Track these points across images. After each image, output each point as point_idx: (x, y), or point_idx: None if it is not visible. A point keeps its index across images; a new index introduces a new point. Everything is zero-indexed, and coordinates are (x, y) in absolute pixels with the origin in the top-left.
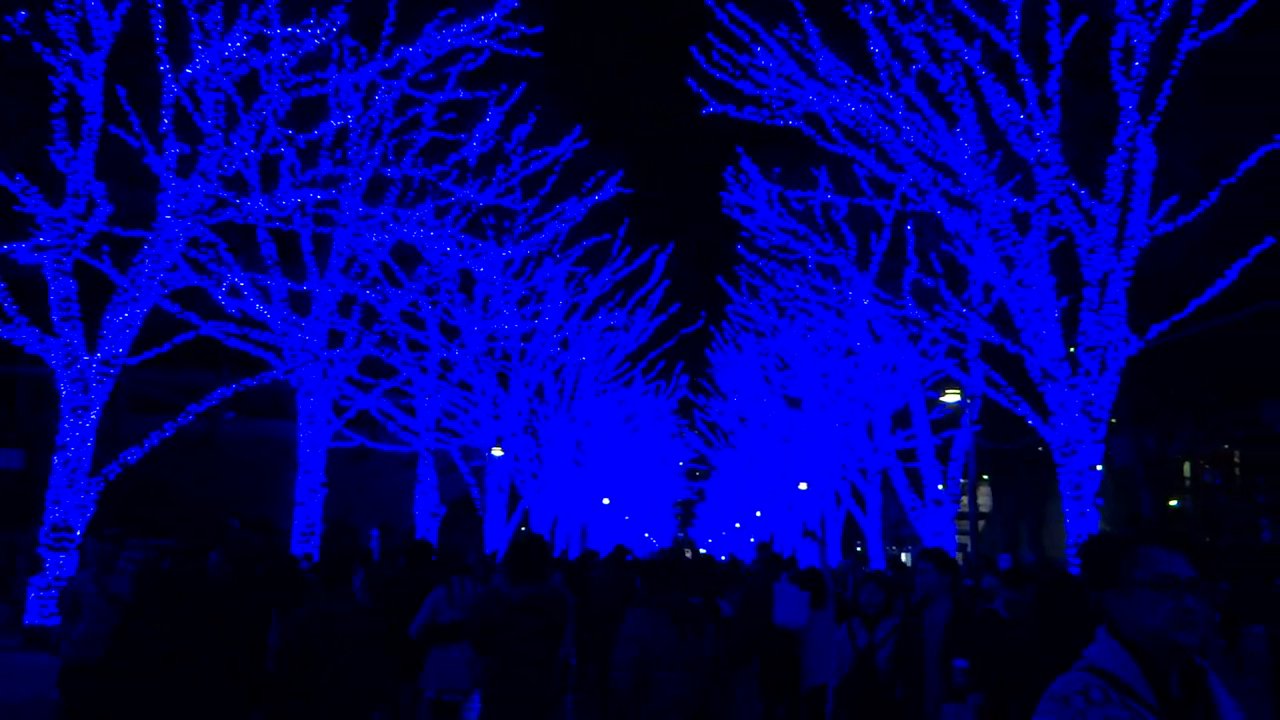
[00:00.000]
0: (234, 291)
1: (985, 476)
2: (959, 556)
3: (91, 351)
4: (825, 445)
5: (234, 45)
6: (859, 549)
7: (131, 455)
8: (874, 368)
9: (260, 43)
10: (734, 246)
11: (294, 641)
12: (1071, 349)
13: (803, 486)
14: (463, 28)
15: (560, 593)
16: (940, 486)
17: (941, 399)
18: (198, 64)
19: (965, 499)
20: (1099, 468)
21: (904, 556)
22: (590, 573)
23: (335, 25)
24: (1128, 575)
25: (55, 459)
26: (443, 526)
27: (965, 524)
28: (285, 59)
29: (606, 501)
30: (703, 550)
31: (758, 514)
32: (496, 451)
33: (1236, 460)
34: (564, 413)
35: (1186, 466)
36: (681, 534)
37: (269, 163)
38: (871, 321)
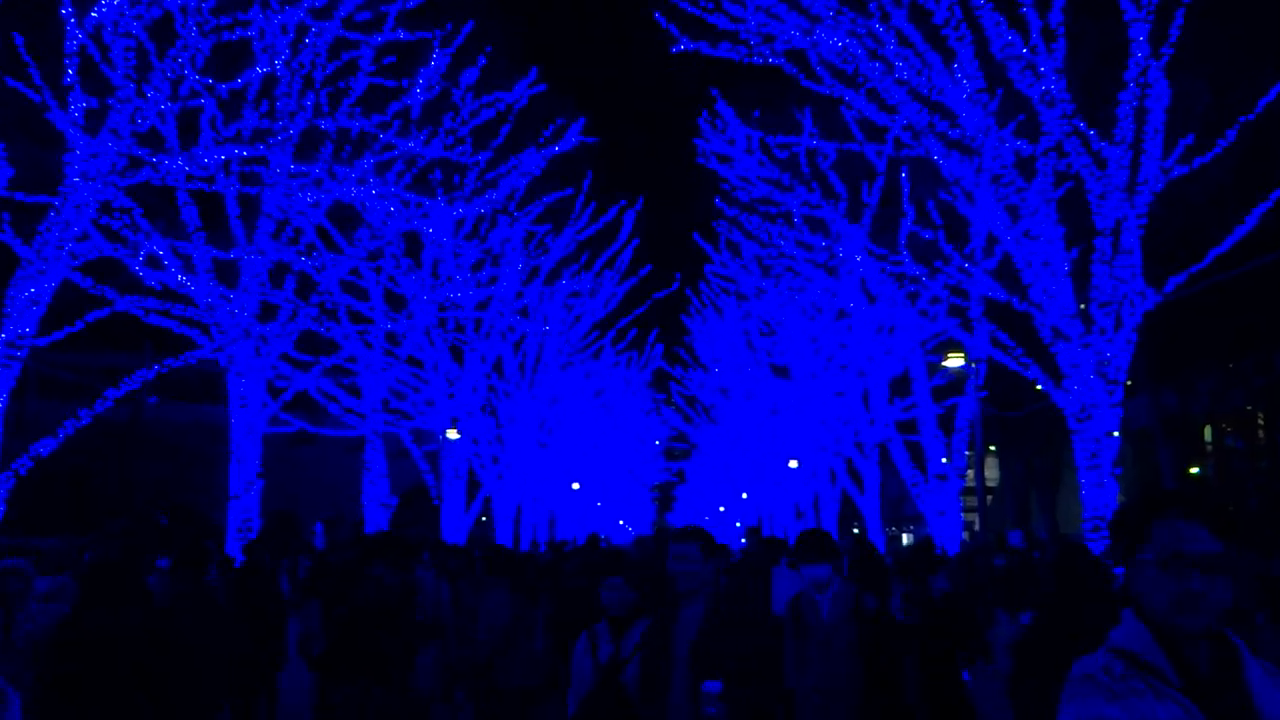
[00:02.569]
0: (153, 262)
1: (992, 447)
2: (965, 534)
3: None
4: (817, 418)
5: None
6: (856, 531)
7: (43, 446)
8: (868, 331)
9: None
10: (711, 200)
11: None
12: (1083, 305)
13: (793, 464)
14: None
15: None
16: (944, 460)
17: (943, 363)
18: (104, 7)
19: (971, 472)
20: (1116, 434)
21: (905, 538)
22: (563, 564)
23: None
24: (1139, 550)
25: None
26: (395, 518)
27: (972, 499)
28: None
29: (576, 486)
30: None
31: (744, 496)
32: (452, 434)
33: (1261, 421)
34: (526, 389)
35: (1208, 430)
36: (659, 519)
37: (188, 117)
38: (865, 280)
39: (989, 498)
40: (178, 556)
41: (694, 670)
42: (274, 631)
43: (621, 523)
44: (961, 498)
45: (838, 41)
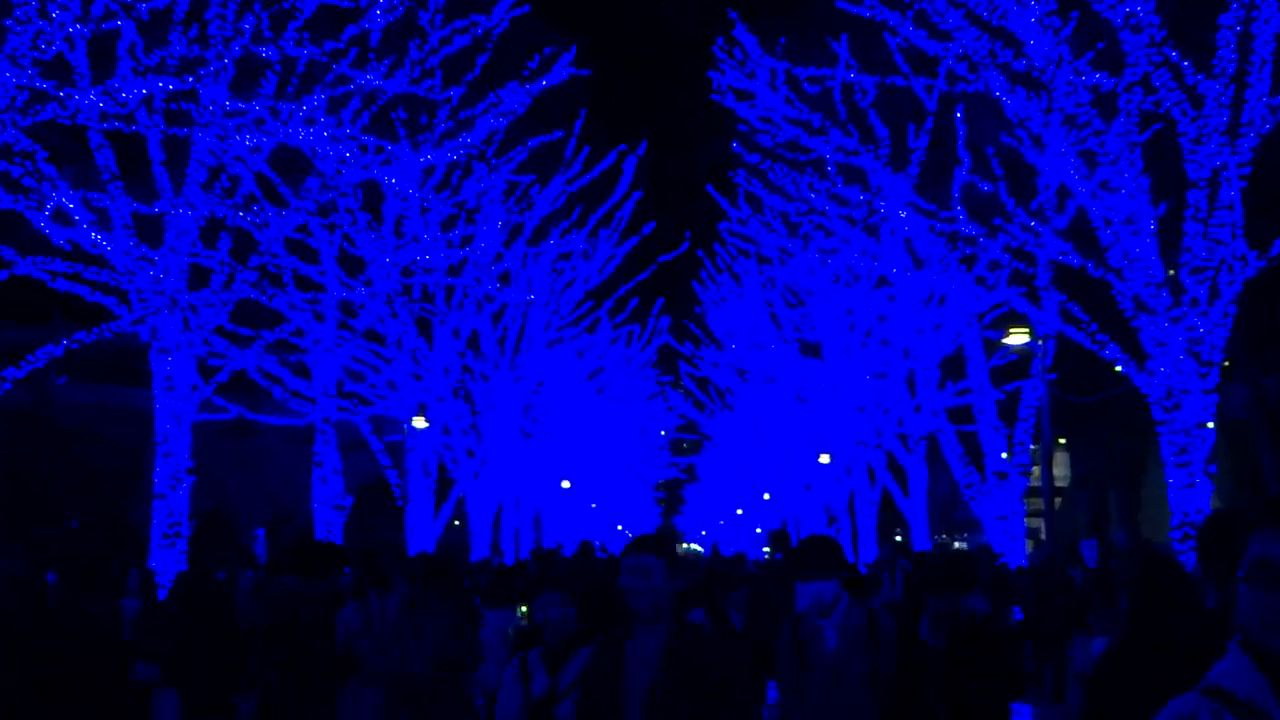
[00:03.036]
0: (61, 216)
1: (1062, 440)
2: (1029, 543)
3: None
4: (852, 404)
5: None
6: (899, 538)
7: None
8: (914, 302)
9: None
10: (728, 145)
11: None
12: (1172, 272)
13: (824, 459)
14: None
15: None
16: (1004, 455)
17: (1004, 341)
18: None
19: (1037, 470)
20: (1209, 425)
21: (957, 546)
22: (552, 572)
23: None
24: (1236, 565)
25: None
26: (351, 522)
27: (1037, 502)
28: None
29: (566, 485)
30: (691, 545)
31: (765, 497)
32: (419, 422)
33: None
34: (507, 369)
35: None
36: (665, 524)
37: (102, 42)
38: (911, 241)
39: (1057, 500)
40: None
41: (649, 714)
42: (232, 664)
43: (620, 528)
44: (1025, 500)
45: None
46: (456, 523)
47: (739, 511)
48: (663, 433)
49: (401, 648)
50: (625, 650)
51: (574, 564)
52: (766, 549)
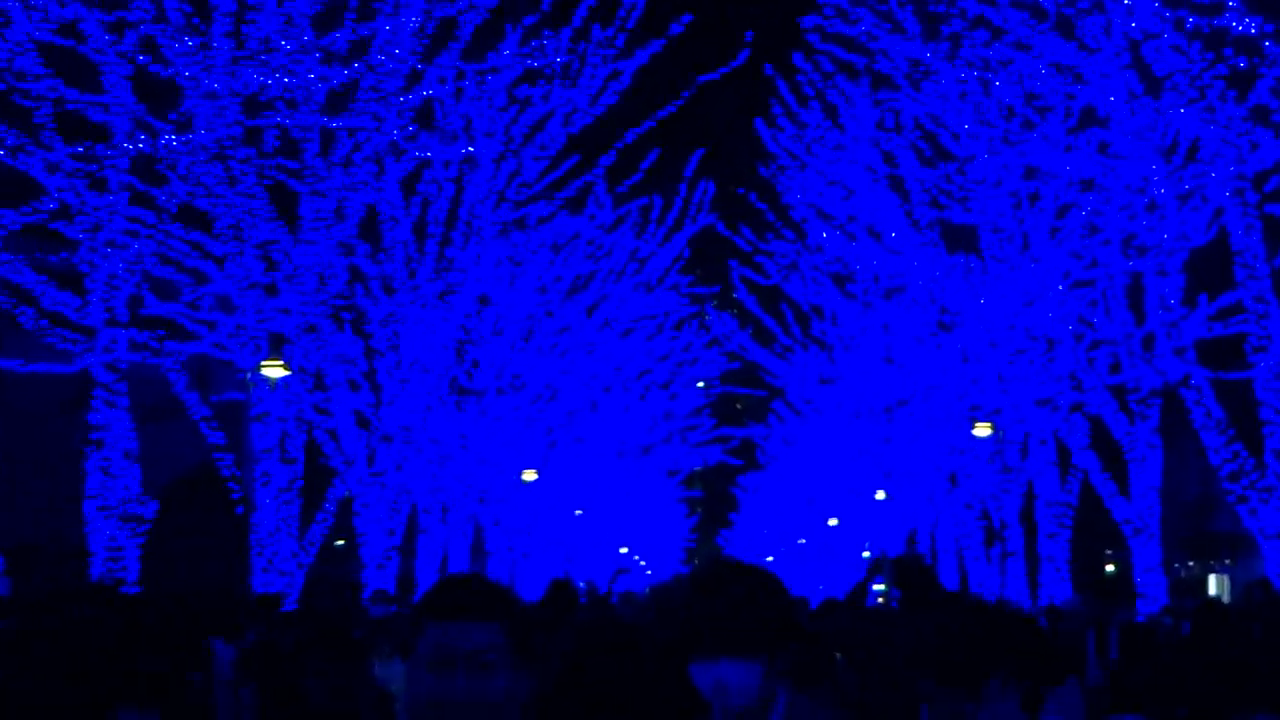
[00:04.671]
0: None
1: None
2: None
3: None
4: (1034, 329)
5: None
6: (1111, 569)
7: None
8: (1143, 151)
9: None
10: None
11: None
12: None
13: (981, 430)
14: None
15: None
16: None
17: None
18: None
19: None
20: None
21: (1212, 582)
22: None
23: None
24: None
25: None
26: (156, 544)
27: None
28: None
29: (531, 477)
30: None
31: (880, 495)
32: (273, 370)
33: None
34: (428, 278)
35: None
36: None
37: None
38: (1139, 44)
39: None
40: None
41: None
42: None
43: (625, 550)
44: None
45: None
46: (340, 542)
47: (833, 521)
48: (701, 384)
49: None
50: None
51: (541, 611)
52: (881, 586)
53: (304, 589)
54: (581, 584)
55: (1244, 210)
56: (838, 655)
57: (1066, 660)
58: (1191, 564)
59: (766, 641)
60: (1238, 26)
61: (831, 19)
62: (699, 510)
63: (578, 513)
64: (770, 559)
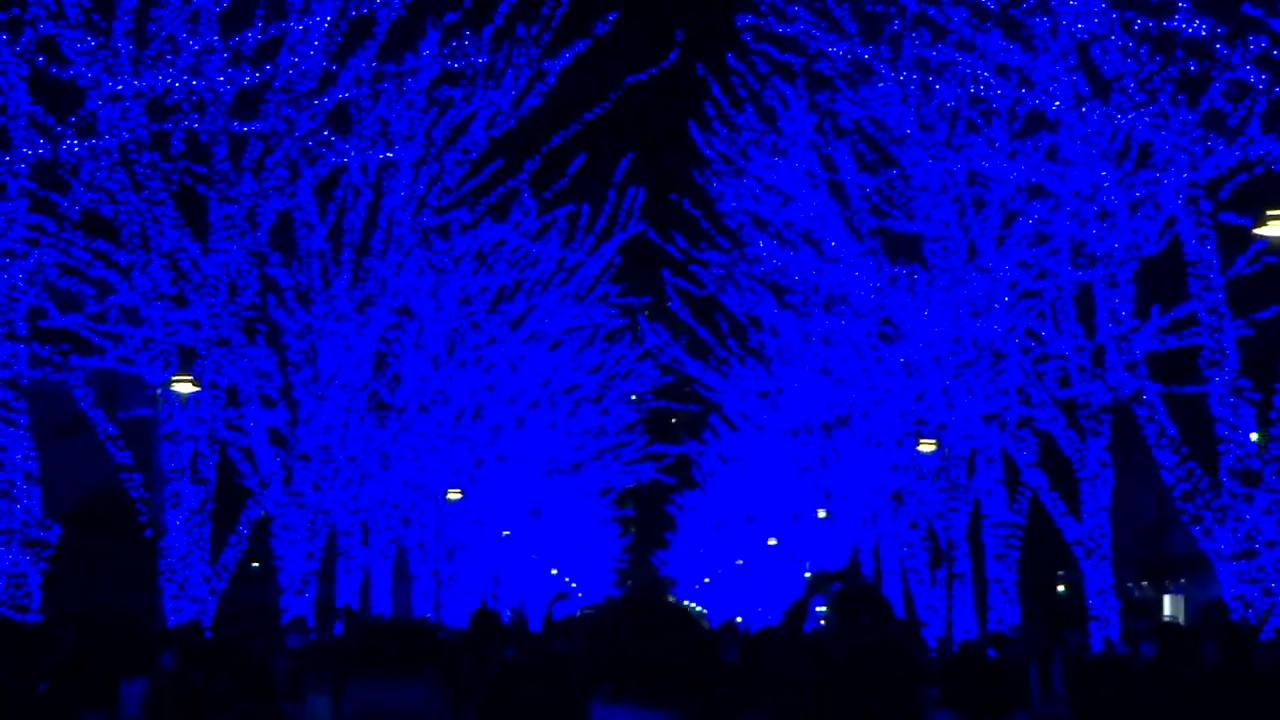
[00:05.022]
0: None
1: None
2: None
3: None
4: (981, 339)
5: None
6: (1062, 590)
7: None
8: (1092, 155)
9: None
10: None
11: None
12: None
13: (925, 447)
14: None
15: None
16: (1255, 439)
17: (1258, 231)
18: None
19: None
20: None
21: (1167, 603)
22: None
23: None
24: None
25: None
26: (55, 569)
27: None
28: None
29: (456, 497)
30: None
31: (821, 513)
32: (183, 385)
33: None
34: (345, 287)
35: None
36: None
37: None
38: (1086, 46)
39: None
40: None
41: None
42: None
43: (555, 572)
44: None
45: None
46: (255, 564)
47: (772, 540)
48: (633, 397)
49: None
50: None
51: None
52: (824, 607)
53: (216, 615)
54: (508, 610)
55: (1197, 218)
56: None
57: (1012, 692)
58: (1145, 585)
59: (677, 692)
60: (1187, 29)
61: (766, 17)
62: (632, 530)
63: (505, 534)
64: (707, 580)
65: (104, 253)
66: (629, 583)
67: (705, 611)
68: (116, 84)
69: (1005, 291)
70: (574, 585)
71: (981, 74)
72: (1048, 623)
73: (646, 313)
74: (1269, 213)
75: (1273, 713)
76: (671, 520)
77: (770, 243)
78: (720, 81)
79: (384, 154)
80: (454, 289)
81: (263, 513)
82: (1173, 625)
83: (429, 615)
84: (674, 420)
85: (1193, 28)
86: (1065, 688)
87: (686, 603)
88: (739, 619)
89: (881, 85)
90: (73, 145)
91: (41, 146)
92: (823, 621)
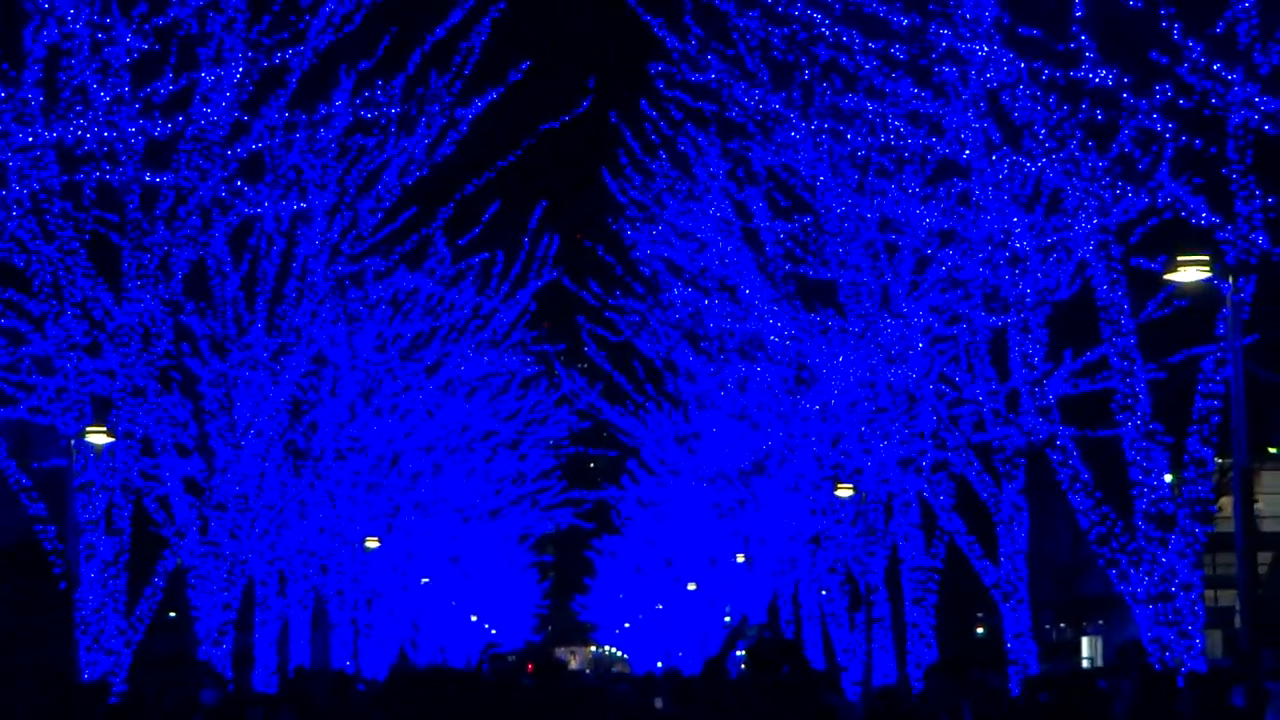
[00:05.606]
0: None
1: (1273, 451)
2: (1211, 640)
3: None
4: (896, 384)
5: None
6: (979, 632)
7: None
8: (1004, 205)
9: None
10: None
11: None
12: None
13: (845, 492)
14: None
15: None
16: (1168, 480)
17: (1168, 277)
18: None
19: (1226, 507)
20: None
21: (1085, 644)
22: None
23: None
24: None
25: None
26: None
27: (1229, 563)
28: None
29: (374, 545)
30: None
31: (740, 559)
32: (97, 436)
33: None
34: (260, 335)
35: None
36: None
37: None
38: (997, 95)
39: (1264, 562)
40: None
41: None
42: None
43: (475, 619)
44: (1205, 561)
45: None
46: (172, 614)
47: (691, 585)
48: (550, 443)
49: None
50: None
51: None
52: (745, 660)
53: (132, 666)
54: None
55: (1108, 263)
56: None
57: None
58: (1063, 627)
59: None
60: (1095, 78)
61: (679, 64)
62: (552, 575)
63: (424, 581)
64: (627, 625)
65: (16, 303)
66: (549, 628)
67: (626, 656)
68: (27, 135)
69: (920, 337)
70: (494, 631)
71: (893, 122)
72: (956, 668)
73: (563, 359)
74: (1179, 258)
75: None
76: (591, 565)
77: (685, 289)
78: (633, 128)
79: (298, 203)
80: (370, 337)
81: (179, 563)
82: (1069, 677)
83: (348, 665)
84: (592, 466)
85: (1099, 77)
86: None
87: (608, 648)
88: (659, 664)
89: (794, 133)
90: None
91: None
92: (743, 666)
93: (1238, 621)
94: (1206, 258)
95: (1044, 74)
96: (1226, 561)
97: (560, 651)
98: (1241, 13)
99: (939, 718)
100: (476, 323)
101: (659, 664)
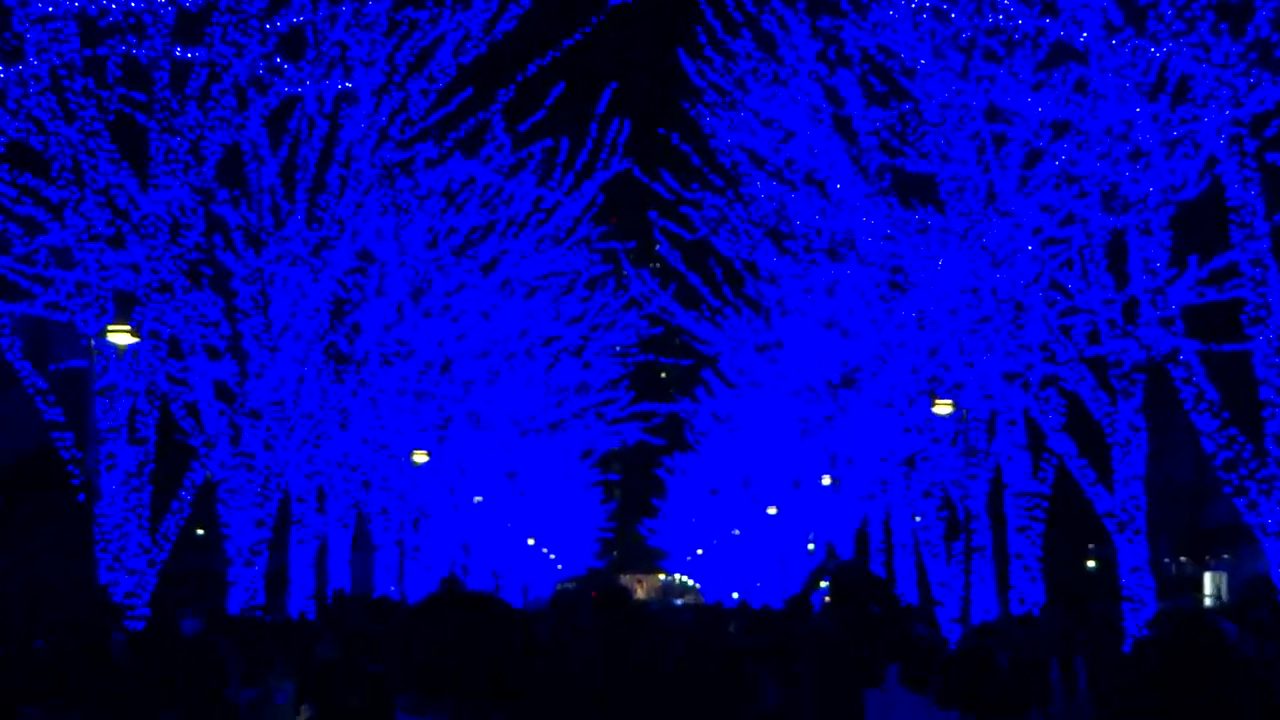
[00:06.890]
0: None
1: None
2: None
3: None
4: (1000, 291)
5: None
6: (1091, 566)
7: None
8: (1124, 89)
9: None
10: None
11: None
12: None
13: (943, 409)
14: None
15: None
16: None
17: None
18: None
19: None
20: None
21: (1208, 580)
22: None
23: None
24: None
25: None
26: None
27: None
28: None
29: (422, 459)
30: (681, 579)
31: (826, 480)
32: (120, 336)
33: None
34: (299, 227)
35: None
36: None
37: None
38: None
39: None
40: None
41: None
42: None
43: (532, 542)
44: None
45: None
46: (200, 531)
47: (772, 510)
48: (617, 350)
49: None
50: None
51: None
52: (821, 579)
53: (157, 589)
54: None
55: (1240, 159)
56: None
57: (1024, 690)
58: (1184, 560)
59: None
60: None
61: None
62: (617, 496)
63: (477, 500)
64: (700, 551)
65: (33, 189)
66: (614, 554)
67: (698, 586)
68: (47, 3)
69: (1029, 238)
70: (552, 556)
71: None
72: (1074, 605)
73: (633, 258)
74: None
75: None
76: (661, 486)
77: (769, 183)
78: (714, 4)
79: (342, 83)
80: (420, 231)
81: (208, 475)
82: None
83: (392, 590)
84: (663, 376)
85: None
86: (1090, 686)
87: (678, 577)
88: (735, 595)
89: (892, 11)
90: None
91: None
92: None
93: None
94: None
95: None
96: None
97: (626, 579)
98: None
99: (1049, 660)
100: (538, 216)
101: (734, 595)
